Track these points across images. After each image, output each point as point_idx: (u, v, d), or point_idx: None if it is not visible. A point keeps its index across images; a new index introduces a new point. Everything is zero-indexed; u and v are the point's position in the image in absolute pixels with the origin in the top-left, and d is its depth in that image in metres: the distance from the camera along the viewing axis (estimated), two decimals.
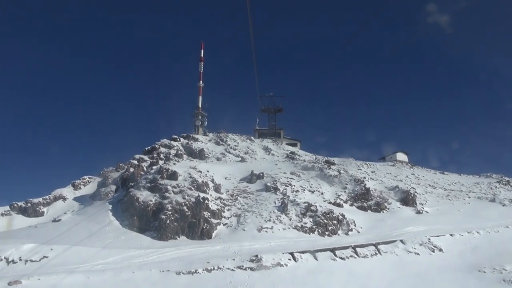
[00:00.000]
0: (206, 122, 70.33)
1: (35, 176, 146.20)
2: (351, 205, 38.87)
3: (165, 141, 53.99)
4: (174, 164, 39.56)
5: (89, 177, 60.28)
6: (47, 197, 52.11)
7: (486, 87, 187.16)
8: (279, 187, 38.82)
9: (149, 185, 35.28)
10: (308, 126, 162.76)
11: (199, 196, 32.85)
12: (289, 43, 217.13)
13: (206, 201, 32.82)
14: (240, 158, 53.00)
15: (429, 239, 31.21)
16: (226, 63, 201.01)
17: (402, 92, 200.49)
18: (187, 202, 32.29)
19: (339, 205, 37.82)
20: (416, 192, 42.81)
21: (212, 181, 38.06)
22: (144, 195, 34.02)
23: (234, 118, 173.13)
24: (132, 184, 37.67)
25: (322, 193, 39.79)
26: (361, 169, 52.16)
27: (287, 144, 70.36)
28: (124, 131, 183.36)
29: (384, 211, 38.40)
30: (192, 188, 34.53)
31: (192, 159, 49.93)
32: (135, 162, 46.87)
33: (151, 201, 33.04)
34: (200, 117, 69.41)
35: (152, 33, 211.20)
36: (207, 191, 35.25)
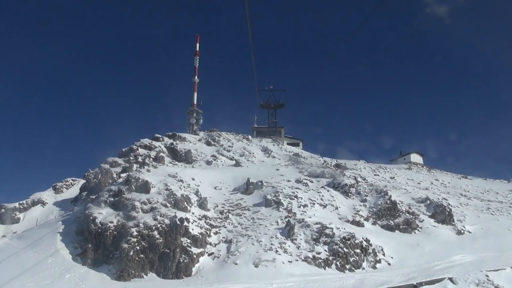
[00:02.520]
0: (201, 120, 63.25)
1: (11, 178, 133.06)
2: (374, 223, 30.55)
3: (146, 141, 45.43)
4: (148, 171, 31.08)
5: (72, 179, 52.76)
6: (24, 201, 45.36)
7: (484, 81, 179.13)
8: (282, 200, 30.48)
9: (112, 199, 26.95)
10: (309, 124, 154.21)
11: (175, 216, 24.48)
12: (289, 36, 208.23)
13: (186, 223, 24.45)
14: (234, 162, 44.58)
15: (486, 275, 23.05)
16: (223, 58, 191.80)
17: (403, 90, 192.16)
18: (159, 225, 23.95)
19: (359, 223, 29.55)
20: (449, 204, 34.52)
21: (196, 193, 29.72)
22: (104, 214, 25.70)
23: (231, 116, 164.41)
24: (94, 196, 29.33)
25: (337, 208, 31.47)
26: (378, 175, 43.94)
27: (288, 144, 62.66)
28: (113, 129, 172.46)
29: (416, 231, 30.11)
30: (168, 204, 26.22)
31: (176, 162, 41.56)
32: (106, 166, 38.58)
33: (111, 222, 24.71)
34: (195, 114, 61.88)
35: (144, 25, 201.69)
36: (188, 208, 26.78)
